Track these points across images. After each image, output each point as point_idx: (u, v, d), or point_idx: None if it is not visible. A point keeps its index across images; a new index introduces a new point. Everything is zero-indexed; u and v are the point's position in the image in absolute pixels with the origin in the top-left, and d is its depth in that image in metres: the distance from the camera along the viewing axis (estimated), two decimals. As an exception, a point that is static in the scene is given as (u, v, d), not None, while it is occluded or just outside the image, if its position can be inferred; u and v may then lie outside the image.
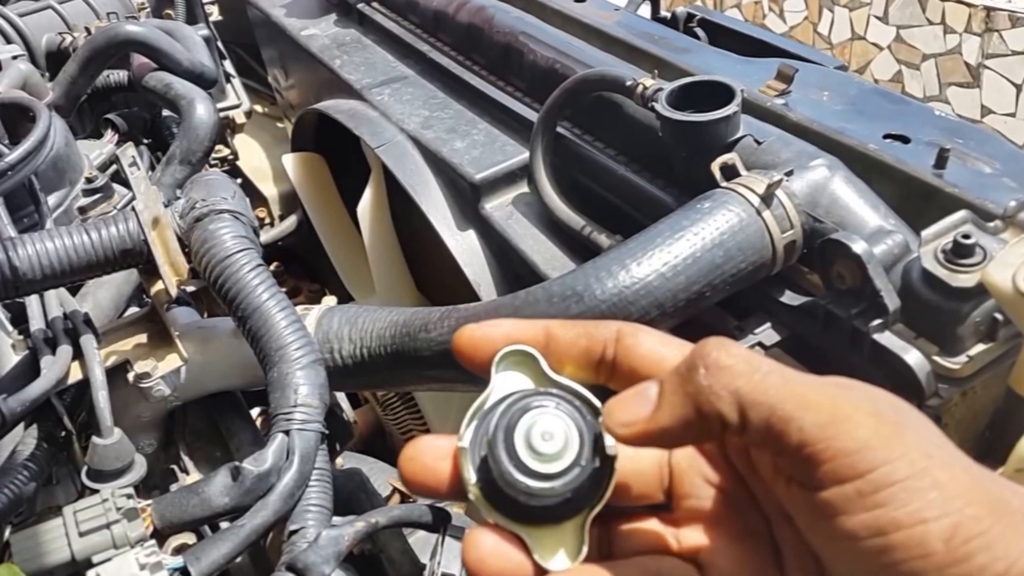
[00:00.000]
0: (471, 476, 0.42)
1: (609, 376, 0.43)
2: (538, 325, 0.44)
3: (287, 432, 0.83)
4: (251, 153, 2.27)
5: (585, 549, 0.42)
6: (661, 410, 0.39)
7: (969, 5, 3.82)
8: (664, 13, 1.73)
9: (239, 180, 2.10)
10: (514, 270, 1.29)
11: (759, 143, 1.03)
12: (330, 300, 1.81)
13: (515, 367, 0.44)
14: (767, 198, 0.91)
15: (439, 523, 0.86)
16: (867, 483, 0.35)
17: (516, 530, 0.42)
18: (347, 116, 1.57)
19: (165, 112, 1.67)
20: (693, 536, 0.44)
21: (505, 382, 0.44)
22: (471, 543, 0.41)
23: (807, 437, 0.36)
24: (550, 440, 0.41)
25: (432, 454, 0.43)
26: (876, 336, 0.87)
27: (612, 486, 0.42)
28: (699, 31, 1.61)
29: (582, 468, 0.41)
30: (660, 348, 0.42)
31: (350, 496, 1.06)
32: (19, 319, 1.01)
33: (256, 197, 2.20)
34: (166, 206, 0.95)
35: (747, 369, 0.38)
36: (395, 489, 1.09)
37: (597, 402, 0.42)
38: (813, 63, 1.32)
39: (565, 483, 0.40)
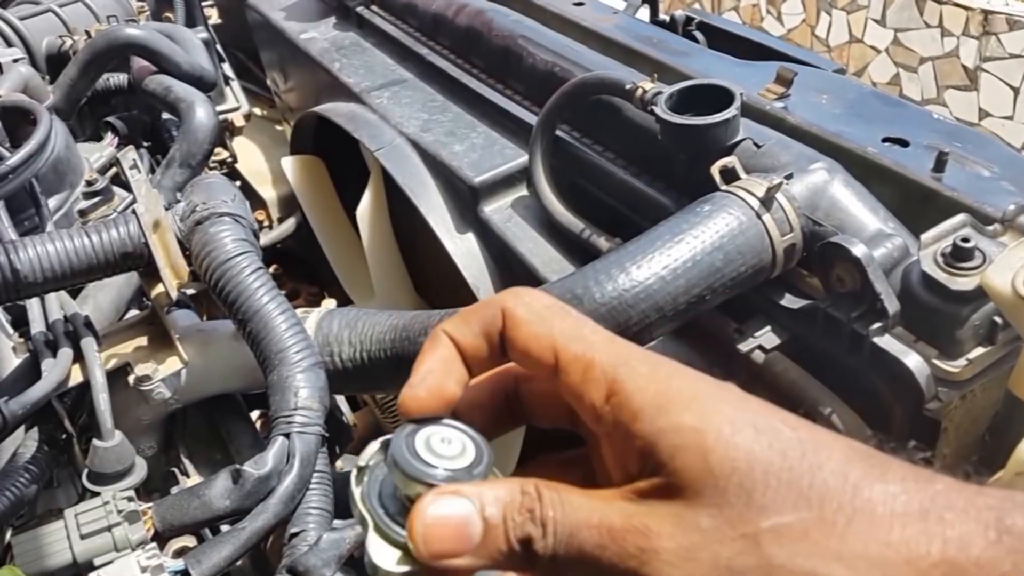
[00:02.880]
0: (362, 461, 0.43)
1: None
2: (447, 353, 0.45)
3: (287, 435, 0.83)
4: (250, 156, 2.27)
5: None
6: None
7: (967, 8, 3.82)
8: (663, 16, 1.73)
9: (237, 183, 2.11)
10: (513, 273, 1.29)
11: (758, 146, 1.03)
12: (330, 303, 1.81)
13: None
14: (767, 201, 0.92)
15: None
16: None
17: (382, 523, 0.41)
18: (346, 119, 1.57)
19: (165, 115, 1.67)
20: None
21: None
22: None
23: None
24: (448, 444, 0.42)
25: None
26: (876, 339, 0.87)
27: None
28: (698, 34, 1.61)
29: (469, 475, 0.41)
30: (534, 344, 0.43)
31: (349, 499, 1.06)
32: (20, 322, 1.01)
33: (255, 200, 2.19)
34: (167, 209, 0.95)
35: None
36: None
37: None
38: (812, 66, 1.33)
39: (448, 476, 0.40)
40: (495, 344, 0.44)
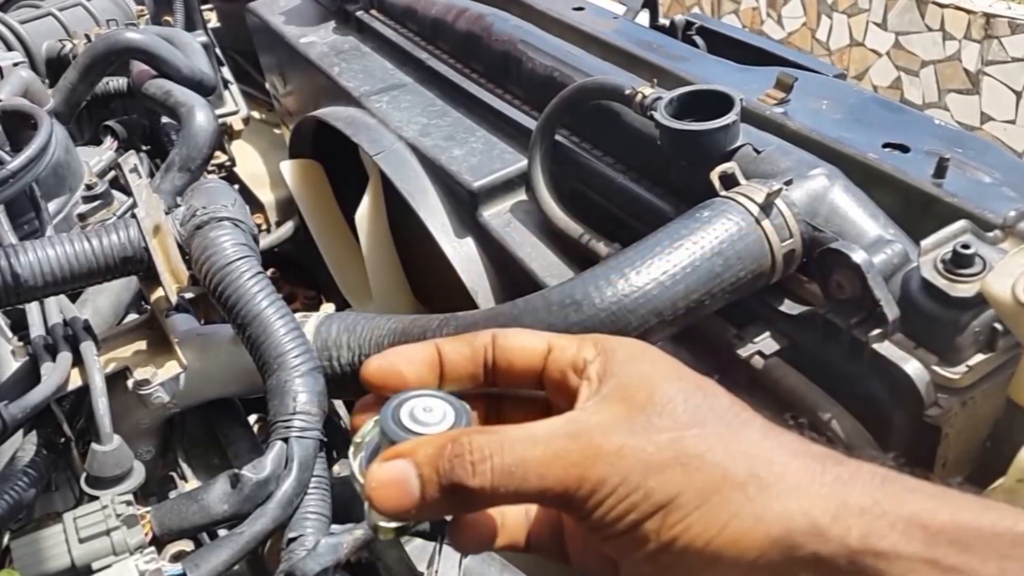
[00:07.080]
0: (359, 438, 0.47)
1: (493, 378, 0.49)
2: (429, 345, 0.49)
3: (286, 439, 0.83)
4: (248, 159, 2.27)
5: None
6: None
7: (969, 11, 3.82)
8: (662, 21, 1.73)
9: (236, 186, 2.11)
10: (512, 278, 1.29)
11: (758, 152, 1.03)
12: (328, 307, 1.81)
13: None
14: (766, 207, 0.92)
15: (436, 531, 0.86)
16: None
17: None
18: (345, 123, 1.57)
19: (164, 119, 1.67)
20: None
21: None
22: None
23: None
24: (429, 412, 0.45)
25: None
26: (875, 346, 0.87)
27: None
28: (698, 39, 1.61)
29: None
30: (528, 340, 0.48)
31: (347, 504, 1.06)
32: (19, 325, 1.01)
33: (253, 203, 2.19)
34: (167, 213, 0.95)
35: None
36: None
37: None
38: (812, 71, 1.33)
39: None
40: (477, 361, 0.48)
